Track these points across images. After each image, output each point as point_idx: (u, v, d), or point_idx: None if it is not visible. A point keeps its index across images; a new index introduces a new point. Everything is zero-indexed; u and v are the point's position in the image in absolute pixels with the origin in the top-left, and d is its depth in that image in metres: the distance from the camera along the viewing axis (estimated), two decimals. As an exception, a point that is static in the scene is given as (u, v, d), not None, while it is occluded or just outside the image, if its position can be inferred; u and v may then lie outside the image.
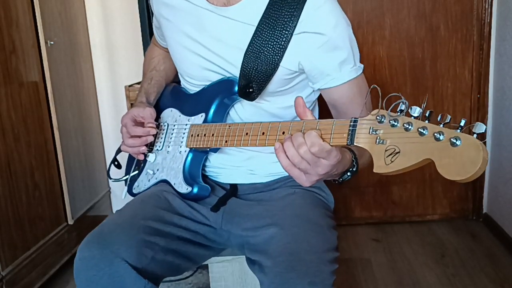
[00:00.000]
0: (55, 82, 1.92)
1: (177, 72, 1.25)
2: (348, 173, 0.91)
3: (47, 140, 1.89)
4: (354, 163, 0.90)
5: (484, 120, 2.23)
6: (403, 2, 2.15)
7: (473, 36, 2.17)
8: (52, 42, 1.89)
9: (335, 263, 0.94)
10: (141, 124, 1.12)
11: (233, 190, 1.14)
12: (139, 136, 1.11)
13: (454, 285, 1.82)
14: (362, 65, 1.04)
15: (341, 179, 0.92)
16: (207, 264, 1.19)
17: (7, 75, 1.65)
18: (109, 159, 2.41)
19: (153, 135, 1.12)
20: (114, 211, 2.49)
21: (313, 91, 1.10)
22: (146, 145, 1.12)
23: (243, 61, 1.01)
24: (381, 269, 1.96)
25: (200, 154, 1.11)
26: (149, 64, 1.30)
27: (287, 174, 1.13)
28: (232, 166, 1.14)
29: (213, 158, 1.15)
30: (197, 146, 1.07)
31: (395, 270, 1.94)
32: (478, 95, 2.22)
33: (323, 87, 1.02)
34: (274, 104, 1.09)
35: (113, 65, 2.33)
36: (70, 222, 2.01)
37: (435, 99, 2.24)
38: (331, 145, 0.80)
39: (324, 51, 0.98)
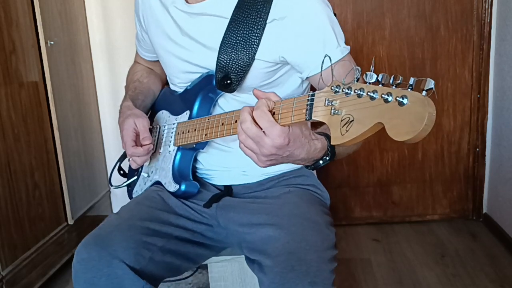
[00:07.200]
0: (55, 82, 1.92)
1: (160, 87, 1.28)
2: (321, 161, 0.89)
3: (47, 140, 1.89)
4: (328, 152, 0.88)
5: (484, 120, 2.23)
6: (403, 2, 2.15)
7: (473, 36, 2.17)
8: (52, 42, 1.89)
9: (335, 262, 0.94)
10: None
11: (227, 190, 1.14)
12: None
13: (454, 285, 1.82)
14: (348, 47, 1.01)
15: (313, 166, 0.90)
16: (207, 264, 1.19)
17: (7, 75, 1.65)
18: (109, 159, 2.41)
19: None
20: (114, 211, 2.49)
21: (301, 81, 1.09)
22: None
23: (218, 53, 1.01)
24: (381, 269, 1.96)
25: (188, 152, 1.11)
26: (132, 77, 1.31)
27: (279, 172, 1.13)
28: (225, 167, 1.14)
29: (204, 160, 1.15)
30: (183, 144, 1.08)
31: (395, 270, 1.94)
32: (478, 95, 2.22)
33: (310, 74, 1.01)
34: None
35: (113, 65, 2.33)
36: (70, 222, 2.01)
37: (435, 99, 2.24)
38: (281, 125, 0.78)
39: (303, 38, 0.96)
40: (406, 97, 0.62)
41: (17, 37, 1.71)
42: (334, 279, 0.92)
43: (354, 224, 2.36)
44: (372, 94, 0.65)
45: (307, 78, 1.03)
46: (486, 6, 2.12)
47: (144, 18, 1.19)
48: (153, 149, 1.13)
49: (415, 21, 2.17)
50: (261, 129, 0.79)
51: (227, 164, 1.13)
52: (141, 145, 1.08)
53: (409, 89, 0.62)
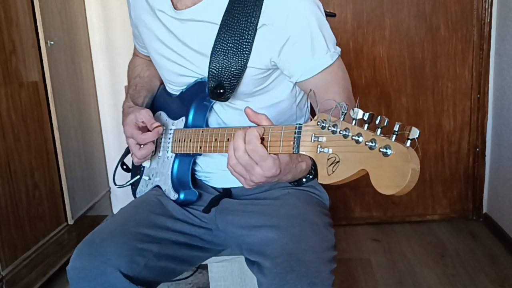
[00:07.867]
0: (55, 82, 1.92)
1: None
2: (304, 179, 0.90)
3: (47, 140, 1.89)
4: (312, 171, 0.89)
5: (484, 120, 2.24)
6: (403, 2, 2.16)
7: (473, 36, 2.17)
8: (52, 42, 1.89)
9: (334, 263, 0.93)
10: (144, 129, 1.11)
11: (226, 193, 1.14)
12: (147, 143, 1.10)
13: (454, 285, 1.82)
14: (338, 49, 1.00)
15: (296, 183, 0.91)
16: (207, 264, 1.19)
17: (7, 75, 1.65)
18: (109, 159, 2.42)
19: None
20: (114, 211, 2.49)
21: (294, 86, 1.08)
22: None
23: (210, 62, 0.99)
24: (381, 269, 1.96)
25: (186, 159, 1.10)
26: (132, 72, 1.30)
27: None
28: (222, 170, 1.12)
29: (203, 162, 1.15)
30: (180, 152, 1.07)
31: (395, 270, 1.94)
32: (478, 95, 2.22)
33: (299, 79, 1.00)
34: (255, 104, 1.05)
35: (113, 65, 2.33)
36: (70, 222, 2.01)
37: (435, 99, 2.24)
38: (270, 153, 0.78)
39: (291, 44, 0.95)
40: (390, 148, 0.61)
41: (17, 37, 1.71)
42: (333, 280, 0.91)
43: (354, 224, 2.36)
44: (357, 138, 0.64)
45: (296, 83, 1.02)
46: (486, 6, 2.12)
47: (135, 18, 1.18)
48: (153, 151, 1.13)
49: (415, 21, 2.17)
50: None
51: (224, 166, 1.13)
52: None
53: (394, 136, 0.61)
